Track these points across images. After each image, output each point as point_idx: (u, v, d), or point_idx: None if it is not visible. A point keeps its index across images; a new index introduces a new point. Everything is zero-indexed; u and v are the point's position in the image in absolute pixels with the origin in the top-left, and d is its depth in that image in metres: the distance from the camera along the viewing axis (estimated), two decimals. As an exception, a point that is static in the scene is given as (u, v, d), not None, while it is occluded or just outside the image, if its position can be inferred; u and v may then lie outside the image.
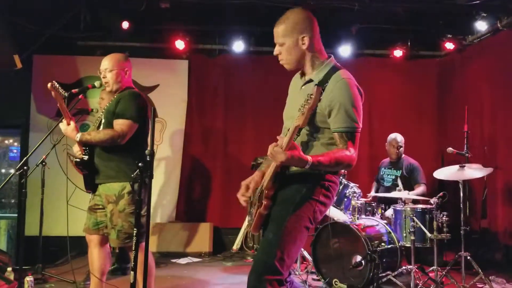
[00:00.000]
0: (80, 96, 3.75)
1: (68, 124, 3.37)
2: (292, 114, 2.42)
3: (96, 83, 3.60)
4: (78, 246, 5.59)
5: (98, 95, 6.46)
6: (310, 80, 2.46)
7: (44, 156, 4.73)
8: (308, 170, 2.25)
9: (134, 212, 3.14)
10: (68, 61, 6.55)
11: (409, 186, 5.50)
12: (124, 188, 3.29)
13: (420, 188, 5.48)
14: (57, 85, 3.25)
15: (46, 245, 5.05)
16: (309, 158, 2.19)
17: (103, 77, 3.48)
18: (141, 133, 3.40)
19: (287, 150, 2.15)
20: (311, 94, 2.07)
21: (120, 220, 3.28)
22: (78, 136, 3.31)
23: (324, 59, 2.48)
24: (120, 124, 3.30)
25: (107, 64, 3.46)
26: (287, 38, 2.41)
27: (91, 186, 3.46)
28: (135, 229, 2.73)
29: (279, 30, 2.42)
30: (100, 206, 3.42)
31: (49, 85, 3.21)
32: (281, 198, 2.37)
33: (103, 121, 3.46)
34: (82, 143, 3.35)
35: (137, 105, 3.38)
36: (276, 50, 2.47)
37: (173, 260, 5.88)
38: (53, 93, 3.25)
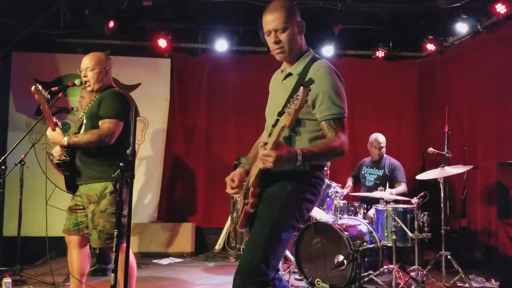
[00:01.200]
0: (60, 95, 3.69)
1: (54, 129, 3.30)
2: (274, 111, 2.40)
3: (77, 81, 3.54)
4: (57, 246, 5.50)
5: (79, 93, 6.38)
6: (290, 74, 2.45)
7: (23, 155, 4.65)
8: (295, 167, 2.21)
9: (115, 212, 3.11)
10: (47, 59, 6.44)
11: (390, 185, 5.54)
12: (106, 188, 3.25)
13: (401, 187, 5.53)
14: (40, 88, 3.17)
15: (24, 246, 4.97)
16: (298, 150, 2.15)
17: (84, 76, 3.42)
18: (124, 133, 3.35)
19: (273, 150, 2.11)
20: (298, 95, 2.02)
21: (102, 220, 3.23)
22: (66, 140, 3.24)
23: (305, 50, 2.48)
24: (106, 124, 3.25)
25: (88, 63, 3.40)
26: (290, 22, 2.35)
27: (72, 187, 3.41)
28: (115, 230, 2.69)
29: (281, 15, 2.33)
30: (81, 207, 3.37)
31: (32, 88, 3.15)
32: (267, 196, 2.33)
33: (85, 121, 3.40)
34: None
35: (121, 103, 3.35)
36: (274, 37, 2.37)
37: (155, 261, 5.83)
38: (36, 96, 3.18)
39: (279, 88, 2.52)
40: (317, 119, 2.34)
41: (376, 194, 4.92)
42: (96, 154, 3.29)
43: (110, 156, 3.25)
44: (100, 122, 3.28)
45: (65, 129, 6.11)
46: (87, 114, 3.39)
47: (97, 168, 3.28)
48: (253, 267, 2.19)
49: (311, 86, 2.10)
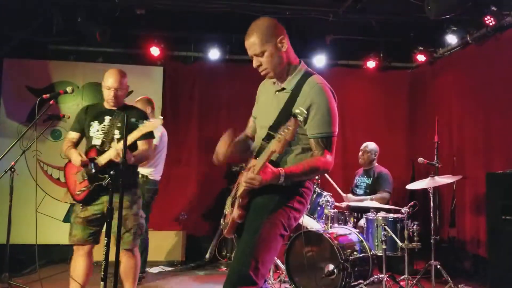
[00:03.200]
0: (51, 102, 3.70)
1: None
2: (265, 121, 2.44)
3: (68, 89, 3.58)
4: (47, 254, 5.48)
5: (70, 100, 6.40)
6: (283, 88, 2.46)
7: (13, 162, 4.61)
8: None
9: (139, 214, 3.60)
10: (39, 66, 6.43)
11: (374, 193, 5.55)
12: (135, 194, 3.60)
13: (382, 194, 5.50)
14: None
15: (13, 254, 4.91)
16: (281, 171, 2.20)
17: (111, 95, 3.51)
18: None
19: (259, 173, 2.17)
20: (289, 126, 2.06)
21: (135, 223, 3.53)
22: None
23: (296, 64, 2.48)
24: (149, 144, 3.62)
25: (118, 84, 3.53)
26: (267, 44, 2.37)
27: (91, 199, 3.50)
28: (106, 238, 2.70)
29: (256, 40, 2.36)
30: (98, 216, 3.47)
31: None
32: (255, 205, 2.35)
33: (118, 137, 3.50)
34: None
35: None
36: (256, 62, 2.42)
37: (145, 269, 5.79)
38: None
39: (271, 98, 2.53)
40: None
41: (365, 203, 4.94)
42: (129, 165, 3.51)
43: (134, 169, 3.71)
44: (142, 141, 3.55)
45: (56, 136, 6.19)
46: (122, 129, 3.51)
47: (128, 177, 3.47)
48: (243, 276, 2.21)
49: (304, 101, 2.13)
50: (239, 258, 2.29)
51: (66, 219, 6.11)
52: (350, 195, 5.60)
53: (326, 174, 5.45)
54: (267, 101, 2.56)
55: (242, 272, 2.22)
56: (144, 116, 3.63)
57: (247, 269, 2.21)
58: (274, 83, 2.55)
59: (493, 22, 5.12)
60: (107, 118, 3.55)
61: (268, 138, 2.35)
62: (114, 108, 3.58)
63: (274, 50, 2.38)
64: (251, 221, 2.33)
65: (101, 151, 3.42)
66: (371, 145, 5.78)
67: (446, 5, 4.70)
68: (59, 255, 5.87)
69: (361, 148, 5.81)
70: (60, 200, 3.65)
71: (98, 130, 3.55)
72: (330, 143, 2.35)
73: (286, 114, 2.34)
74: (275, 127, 2.33)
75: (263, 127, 2.48)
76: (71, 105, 6.35)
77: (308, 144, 2.38)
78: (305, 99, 2.33)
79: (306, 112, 2.14)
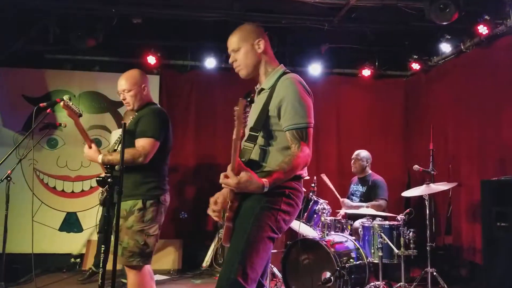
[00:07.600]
0: (48, 110, 3.70)
1: (90, 147, 3.29)
2: (249, 123, 2.51)
3: (65, 97, 3.56)
4: (43, 263, 5.45)
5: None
6: (262, 89, 2.53)
7: (9, 171, 4.62)
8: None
9: (142, 231, 3.20)
10: (36, 75, 6.44)
11: (370, 201, 5.57)
12: (136, 204, 3.22)
13: (378, 202, 5.52)
14: (70, 103, 3.20)
15: (9, 262, 4.90)
16: (264, 181, 2.21)
17: (123, 99, 3.41)
18: (162, 151, 3.33)
19: (236, 172, 2.18)
20: (236, 107, 2.18)
21: (127, 237, 3.18)
22: (100, 157, 3.22)
23: (275, 66, 2.57)
24: (141, 143, 3.22)
25: (124, 84, 3.39)
26: (243, 42, 2.52)
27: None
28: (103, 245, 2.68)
29: (234, 38, 2.54)
30: None
31: (61, 104, 3.20)
32: (243, 210, 2.35)
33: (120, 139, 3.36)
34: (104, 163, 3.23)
35: (159, 122, 3.34)
36: (232, 58, 2.56)
37: (141, 278, 5.77)
38: (66, 112, 3.22)
39: (253, 105, 2.58)
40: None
41: (362, 211, 4.96)
42: (132, 171, 3.21)
43: (146, 174, 3.26)
44: (136, 141, 3.24)
45: (53, 145, 6.18)
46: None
47: (129, 185, 3.21)
48: (231, 283, 2.21)
49: (277, 97, 2.32)
50: (227, 264, 2.29)
51: (62, 228, 6.13)
52: (347, 200, 5.60)
53: (325, 178, 5.50)
54: (253, 106, 2.61)
55: (230, 279, 2.21)
56: (154, 114, 3.35)
57: (235, 276, 2.20)
58: (257, 88, 2.63)
59: (486, 31, 5.18)
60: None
61: (250, 139, 2.40)
62: (135, 112, 3.44)
63: (250, 49, 2.52)
64: (238, 226, 2.34)
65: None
66: (363, 153, 5.80)
67: (451, 8, 4.77)
68: (55, 264, 5.85)
69: (353, 156, 5.83)
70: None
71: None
72: (306, 134, 2.36)
73: (263, 114, 2.41)
74: (255, 128, 2.40)
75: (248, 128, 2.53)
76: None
77: (287, 142, 2.39)
78: (277, 95, 2.39)
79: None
